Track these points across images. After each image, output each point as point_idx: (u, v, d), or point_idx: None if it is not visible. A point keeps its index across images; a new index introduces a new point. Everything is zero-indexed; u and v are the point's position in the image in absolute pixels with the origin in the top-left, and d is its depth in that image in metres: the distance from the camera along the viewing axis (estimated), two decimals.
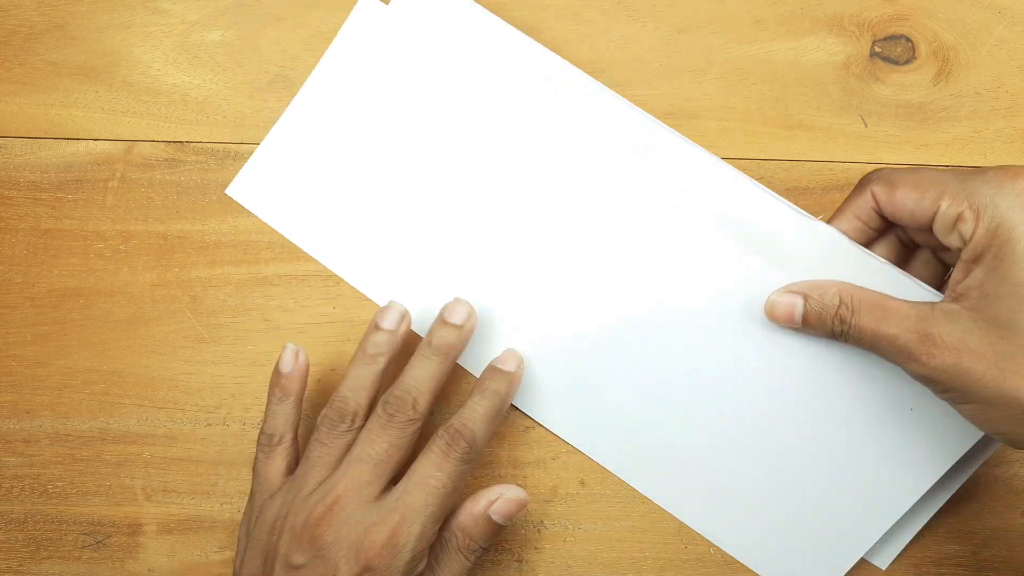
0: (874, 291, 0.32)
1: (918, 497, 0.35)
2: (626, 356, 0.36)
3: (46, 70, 0.40)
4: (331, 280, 0.39)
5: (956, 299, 0.30)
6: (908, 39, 0.40)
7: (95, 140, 0.40)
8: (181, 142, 0.40)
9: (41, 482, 0.38)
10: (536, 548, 0.38)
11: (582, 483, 0.38)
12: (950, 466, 0.34)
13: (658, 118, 0.40)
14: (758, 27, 0.40)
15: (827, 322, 0.33)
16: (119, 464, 0.38)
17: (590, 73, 0.40)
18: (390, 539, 0.31)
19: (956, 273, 0.30)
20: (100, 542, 0.38)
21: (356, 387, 0.34)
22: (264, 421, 0.35)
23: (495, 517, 0.34)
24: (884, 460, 0.35)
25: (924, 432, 0.34)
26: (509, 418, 0.38)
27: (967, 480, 0.38)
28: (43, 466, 0.38)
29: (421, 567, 0.33)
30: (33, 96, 0.40)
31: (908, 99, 0.40)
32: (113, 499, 0.38)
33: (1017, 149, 0.40)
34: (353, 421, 0.34)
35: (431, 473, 0.33)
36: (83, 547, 0.38)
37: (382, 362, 0.35)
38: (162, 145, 0.40)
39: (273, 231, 0.39)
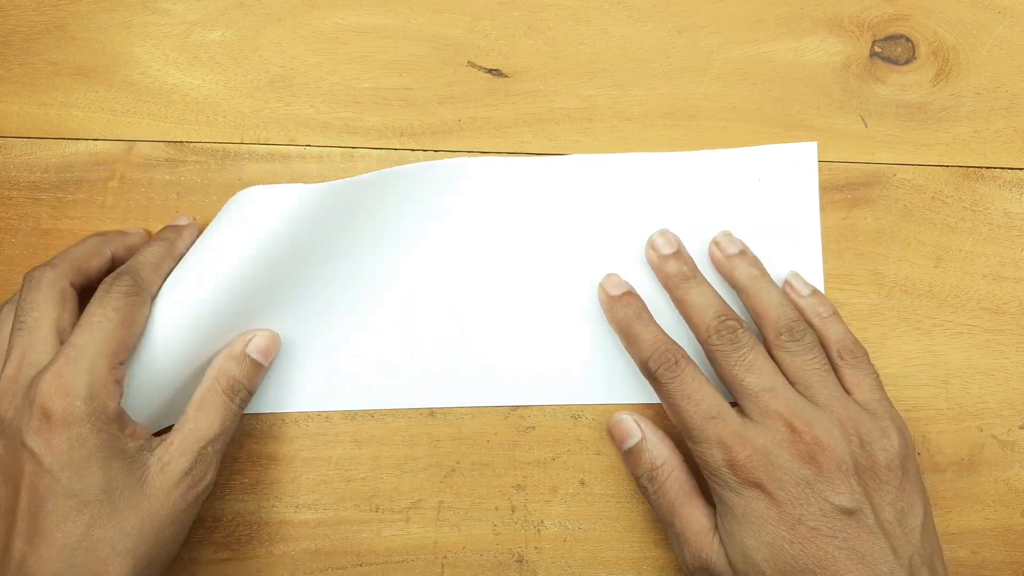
0: (691, 482, 0.34)
1: None
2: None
3: (46, 70, 0.40)
4: None
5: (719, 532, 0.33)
6: (908, 39, 0.40)
7: (95, 140, 0.40)
8: (181, 142, 0.40)
9: None
10: (536, 548, 0.38)
11: (582, 483, 0.38)
12: None
13: (658, 118, 0.40)
14: (758, 27, 0.40)
15: (640, 468, 0.35)
16: None
17: (589, 73, 0.40)
18: (55, 379, 0.30)
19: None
20: None
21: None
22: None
23: (255, 355, 0.35)
24: None
25: None
26: (509, 418, 0.38)
27: (968, 481, 0.38)
28: None
29: (113, 408, 0.30)
30: (33, 96, 0.40)
31: (908, 99, 0.40)
32: None
33: (1017, 149, 0.40)
34: (11, 302, 0.34)
35: (92, 311, 0.31)
36: None
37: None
38: (162, 145, 0.40)
39: None
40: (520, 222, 0.39)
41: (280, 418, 0.38)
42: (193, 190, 0.39)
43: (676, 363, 0.34)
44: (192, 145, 0.40)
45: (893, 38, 0.40)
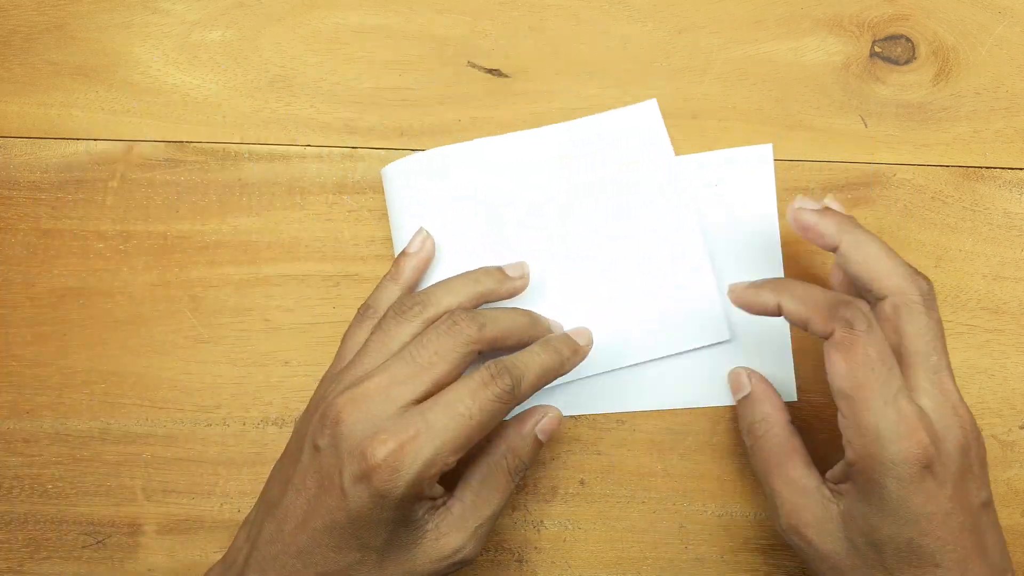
0: (793, 441, 0.33)
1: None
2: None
3: (46, 70, 0.40)
4: (331, 280, 0.39)
5: (834, 494, 0.32)
6: (908, 39, 0.40)
7: (95, 140, 0.40)
8: (181, 142, 0.40)
9: (41, 482, 0.38)
10: (536, 548, 0.38)
11: (582, 483, 0.38)
12: None
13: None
14: (758, 27, 0.40)
15: (743, 423, 0.35)
16: (119, 464, 0.38)
17: (590, 73, 0.40)
18: (395, 452, 0.29)
19: (836, 468, 0.31)
20: (100, 542, 0.38)
21: (439, 286, 0.34)
22: (371, 295, 0.36)
23: (541, 436, 0.35)
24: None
25: None
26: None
27: None
28: (43, 466, 0.38)
29: (429, 493, 0.31)
30: (33, 96, 0.40)
31: (908, 99, 0.40)
32: (113, 499, 0.38)
33: (1017, 149, 0.40)
34: (423, 311, 0.33)
35: (462, 398, 0.30)
36: (83, 547, 0.38)
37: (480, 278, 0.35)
38: (162, 145, 0.40)
39: (273, 231, 0.39)
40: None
41: (279, 418, 0.38)
42: (193, 190, 0.39)
43: (866, 315, 0.30)
44: (192, 145, 0.40)
45: (893, 38, 0.40)
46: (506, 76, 0.40)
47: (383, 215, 0.39)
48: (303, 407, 0.37)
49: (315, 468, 0.31)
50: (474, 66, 0.40)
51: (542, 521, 0.38)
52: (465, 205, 0.38)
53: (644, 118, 0.39)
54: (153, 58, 0.40)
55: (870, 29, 0.40)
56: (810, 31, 0.40)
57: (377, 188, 0.39)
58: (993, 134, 0.40)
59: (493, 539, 0.38)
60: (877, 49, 0.40)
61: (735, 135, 0.40)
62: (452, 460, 0.30)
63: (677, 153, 0.39)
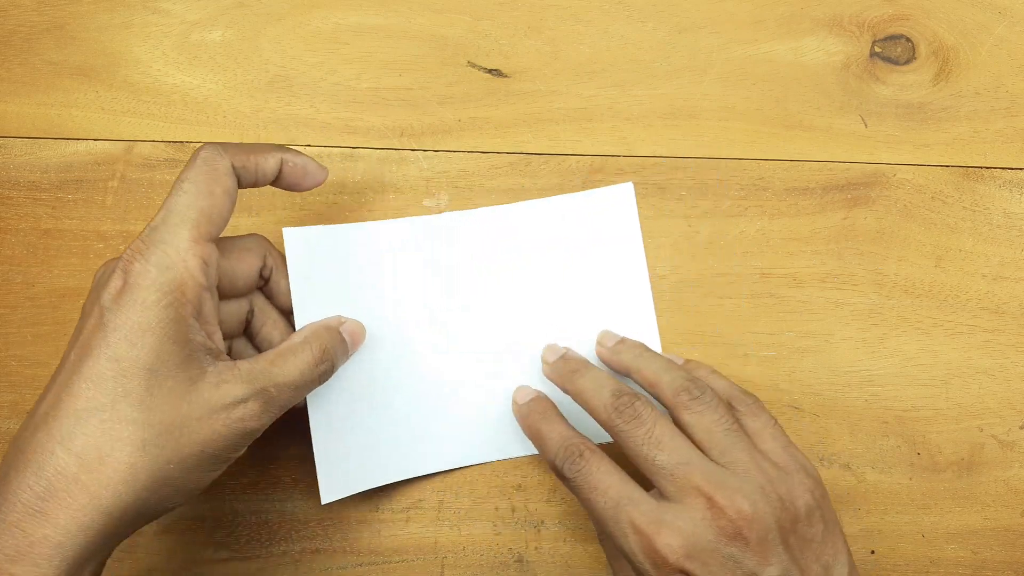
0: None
1: None
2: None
3: (46, 70, 0.40)
4: None
5: None
6: (908, 39, 0.40)
7: (95, 140, 0.40)
8: (181, 142, 0.40)
9: None
10: (536, 548, 0.38)
11: None
12: None
13: (658, 118, 0.40)
14: (758, 27, 0.40)
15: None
16: None
17: (590, 73, 0.40)
18: (139, 242, 0.29)
19: None
20: None
21: None
22: None
23: (345, 335, 0.34)
24: None
25: None
26: None
27: (968, 481, 0.38)
28: None
29: (192, 287, 0.29)
30: (33, 96, 0.40)
31: (908, 99, 0.40)
32: None
33: (1017, 149, 0.40)
34: None
35: (178, 178, 0.30)
36: None
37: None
38: (162, 145, 0.40)
39: (272, 231, 0.39)
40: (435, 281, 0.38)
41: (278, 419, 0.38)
42: None
43: (580, 455, 0.32)
44: (192, 145, 0.40)
45: (893, 38, 0.40)
46: (506, 76, 0.40)
47: (383, 215, 0.39)
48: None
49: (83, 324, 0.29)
50: (474, 66, 0.40)
51: (542, 521, 0.38)
52: (411, 276, 0.38)
53: (618, 201, 0.39)
54: (153, 58, 0.40)
55: (870, 29, 0.40)
56: (810, 31, 0.40)
57: (377, 188, 0.39)
58: (993, 134, 0.40)
59: (494, 538, 0.38)
60: (877, 49, 0.40)
61: (735, 135, 0.40)
62: (200, 236, 0.29)
63: (678, 151, 0.39)
